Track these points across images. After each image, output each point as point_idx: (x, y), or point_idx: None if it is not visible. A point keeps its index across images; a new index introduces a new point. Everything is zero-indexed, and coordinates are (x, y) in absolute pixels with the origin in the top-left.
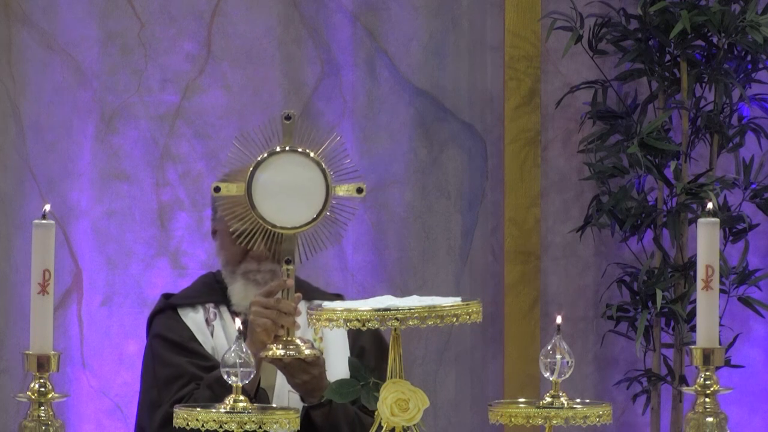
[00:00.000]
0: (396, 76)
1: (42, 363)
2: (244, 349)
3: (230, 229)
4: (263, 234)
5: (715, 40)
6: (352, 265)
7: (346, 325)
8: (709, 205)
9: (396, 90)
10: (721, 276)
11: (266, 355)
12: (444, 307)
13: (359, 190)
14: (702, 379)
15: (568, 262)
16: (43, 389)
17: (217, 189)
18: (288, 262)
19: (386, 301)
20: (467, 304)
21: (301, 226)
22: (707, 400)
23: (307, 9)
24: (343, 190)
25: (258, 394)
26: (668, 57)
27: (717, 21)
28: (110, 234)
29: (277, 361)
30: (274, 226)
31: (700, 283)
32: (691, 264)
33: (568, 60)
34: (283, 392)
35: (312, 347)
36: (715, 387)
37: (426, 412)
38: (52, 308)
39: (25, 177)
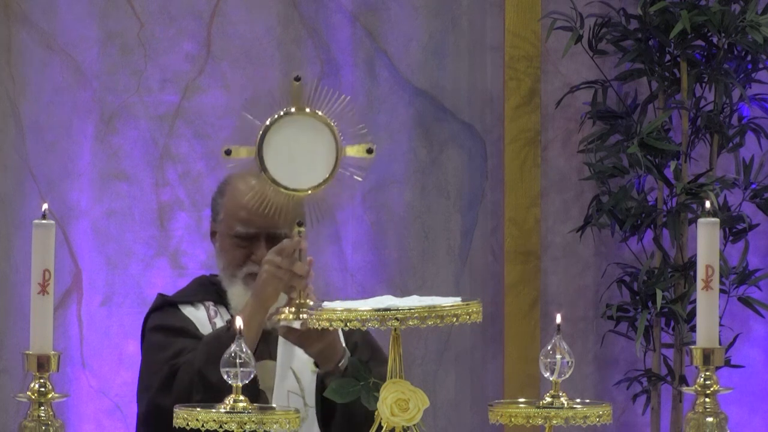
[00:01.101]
0: (396, 76)
1: (42, 363)
2: (244, 349)
3: (231, 232)
4: (274, 202)
5: (715, 40)
6: (351, 265)
7: (346, 326)
8: (707, 204)
9: (395, 90)
10: (721, 276)
11: (279, 319)
12: (444, 307)
13: (369, 151)
14: (702, 379)
15: (568, 262)
16: (43, 389)
17: (228, 152)
18: (300, 224)
19: (386, 301)
20: (467, 304)
21: (312, 188)
22: (707, 400)
23: (307, 9)
24: (353, 151)
25: (259, 396)
26: (668, 57)
27: (717, 21)
28: (110, 234)
29: (293, 333)
30: (286, 188)
31: (700, 283)
32: (691, 264)
33: (568, 60)
34: (283, 393)
35: None
36: (715, 387)
37: (426, 412)
38: (52, 308)
39: (24, 177)
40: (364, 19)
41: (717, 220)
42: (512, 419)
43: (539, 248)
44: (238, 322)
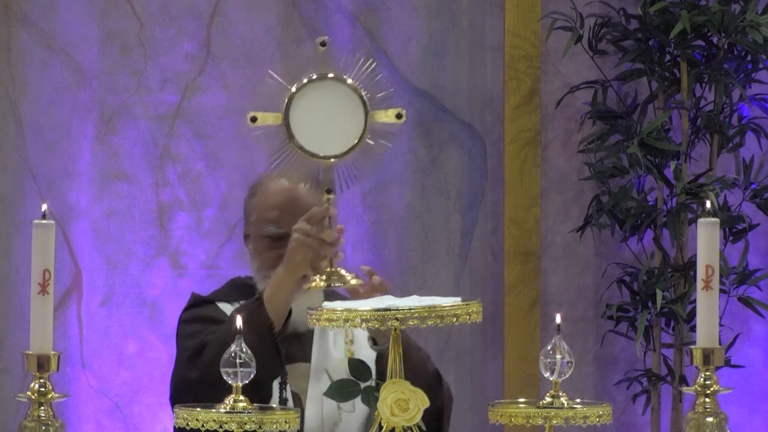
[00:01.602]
0: (395, 76)
1: (42, 363)
2: (244, 349)
3: (263, 234)
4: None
5: (715, 40)
6: (351, 265)
7: (346, 325)
8: (707, 204)
9: (396, 90)
10: (721, 276)
11: (310, 287)
12: (444, 307)
13: (398, 116)
14: (702, 379)
15: (568, 262)
16: (43, 389)
17: (253, 119)
18: (329, 191)
19: (386, 301)
20: (467, 304)
21: (341, 154)
22: (707, 400)
23: (307, 9)
24: (381, 116)
25: (285, 396)
26: (668, 57)
27: (717, 21)
28: (110, 234)
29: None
30: (313, 155)
31: (700, 283)
32: (691, 264)
33: (568, 60)
34: (317, 396)
35: (357, 277)
36: (715, 387)
37: None
38: (52, 308)
39: (24, 177)
40: (364, 19)
41: (717, 220)
42: (512, 419)
43: (539, 248)
44: (238, 322)
